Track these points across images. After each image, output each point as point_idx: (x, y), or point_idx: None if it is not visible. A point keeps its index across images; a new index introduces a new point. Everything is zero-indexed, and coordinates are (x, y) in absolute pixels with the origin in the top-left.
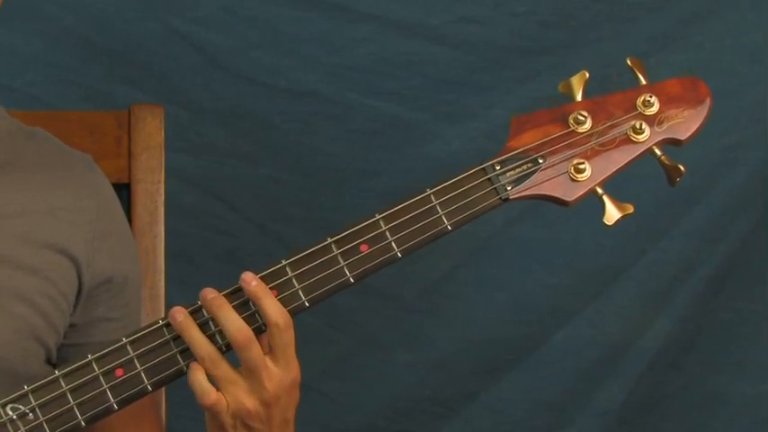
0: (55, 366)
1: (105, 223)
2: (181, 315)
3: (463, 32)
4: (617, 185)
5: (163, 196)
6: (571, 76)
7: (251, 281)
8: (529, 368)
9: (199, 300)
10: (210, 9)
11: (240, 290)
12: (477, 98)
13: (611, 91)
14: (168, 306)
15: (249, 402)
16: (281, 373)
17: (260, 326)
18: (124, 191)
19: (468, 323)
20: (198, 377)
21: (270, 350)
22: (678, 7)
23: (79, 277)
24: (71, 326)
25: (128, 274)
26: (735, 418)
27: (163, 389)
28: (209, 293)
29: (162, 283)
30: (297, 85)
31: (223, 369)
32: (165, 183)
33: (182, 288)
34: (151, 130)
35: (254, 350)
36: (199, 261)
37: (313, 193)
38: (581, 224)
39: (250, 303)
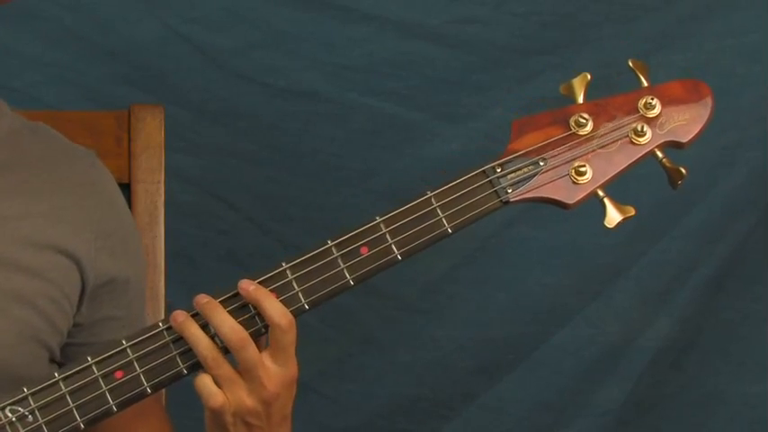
0: (60, 365)
1: (108, 222)
2: (182, 316)
3: (463, 32)
4: (617, 186)
5: (163, 196)
6: (571, 76)
7: (249, 286)
8: (529, 368)
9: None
10: (210, 9)
11: (238, 293)
12: (476, 98)
13: (611, 90)
14: (168, 306)
15: (249, 402)
16: (280, 372)
17: (260, 328)
18: (124, 191)
19: (468, 323)
20: (204, 379)
21: (268, 348)
22: (678, 7)
23: (82, 277)
24: (77, 325)
25: (131, 273)
26: (734, 417)
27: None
28: (203, 298)
29: (162, 283)
30: (297, 85)
31: (225, 369)
32: (165, 183)
33: (182, 288)
34: (151, 130)
35: (250, 350)
36: (199, 261)
37: (313, 193)
38: (581, 224)
39: (249, 306)
